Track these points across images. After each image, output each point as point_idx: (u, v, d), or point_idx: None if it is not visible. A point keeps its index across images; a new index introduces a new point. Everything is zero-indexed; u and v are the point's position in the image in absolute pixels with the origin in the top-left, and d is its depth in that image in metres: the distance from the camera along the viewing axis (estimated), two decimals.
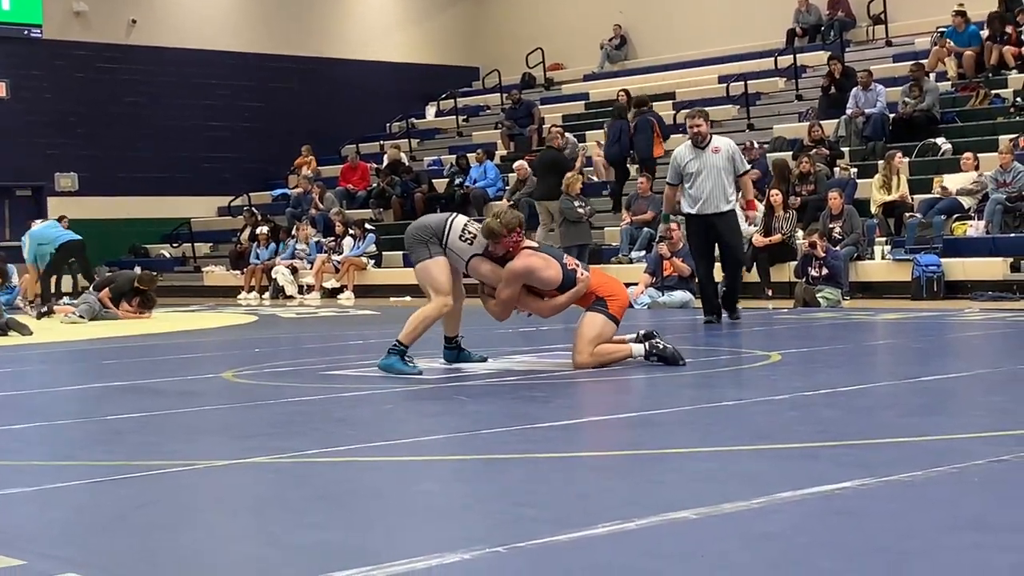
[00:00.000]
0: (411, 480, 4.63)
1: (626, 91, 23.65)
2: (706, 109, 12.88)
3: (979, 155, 17.16)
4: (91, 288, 16.92)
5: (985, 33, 21.01)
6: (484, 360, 8.65)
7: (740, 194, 12.24)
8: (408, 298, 20.19)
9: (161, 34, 27.26)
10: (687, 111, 12.49)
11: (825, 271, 15.00)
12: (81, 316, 15.86)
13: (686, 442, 5.31)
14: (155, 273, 18.75)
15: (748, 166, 12.20)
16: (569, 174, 18.23)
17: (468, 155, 24.14)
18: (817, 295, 14.84)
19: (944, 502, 3.92)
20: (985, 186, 16.39)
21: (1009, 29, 20.71)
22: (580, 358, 8.06)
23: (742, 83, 22.84)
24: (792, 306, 14.93)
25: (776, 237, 16.48)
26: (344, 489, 4.46)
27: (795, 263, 15.75)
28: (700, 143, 11.88)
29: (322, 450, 5.21)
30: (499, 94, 28.52)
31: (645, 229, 18.52)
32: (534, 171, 20.26)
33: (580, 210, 17.59)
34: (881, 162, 17.55)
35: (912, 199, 17.16)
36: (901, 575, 3.09)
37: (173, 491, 4.55)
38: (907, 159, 18.18)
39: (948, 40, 21.23)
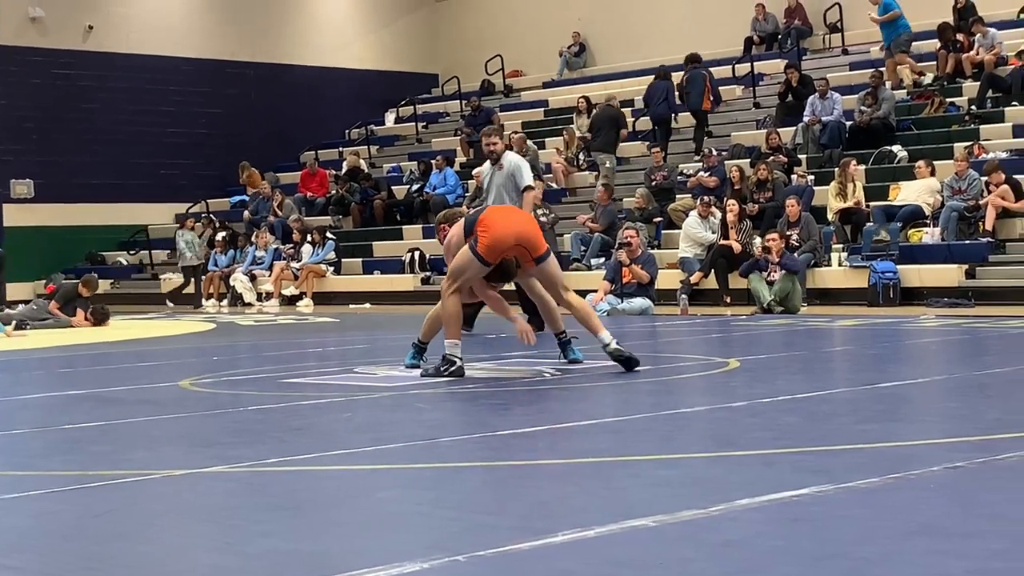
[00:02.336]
0: (370, 488, 4.62)
1: (586, 98, 23.76)
2: (501, 127, 13.05)
3: (934, 163, 17.31)
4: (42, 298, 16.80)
5: (936, 44, 21.25)
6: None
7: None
8: (368, 305, 20.16)
9: (118, 40, 27.08)
10: (484, 128, 12.69)
11: (782, 272, 15.08)
12: None
13: (645, 449, 5.33)
14: (95, 275, 18.55)
15: (530, 181, 12.18)
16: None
17: (427, 161, 24.13)
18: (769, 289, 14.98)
19: (901, 508, 3.95)
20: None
21: (961, 37, 20.92)
22: (441, 290, 8.33)
23: None
24: (751, 312, 15.01)
25: (736, 247, 16.53)
26: (303, 498, 4.45)
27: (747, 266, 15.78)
28: (494, 160, 12.21)
29: (281, 459, 5.19)
30: (458, 101, 28.53)
31: (598, 235, 18.60)
32: (592, 126, 21.25)
33: (543, 217, 17.69)
34: (837, 169, 17.69)
35: (868, 206, 17.29)
36: None
37: (131, 500, 4.52)
38: (863, 167, 18.34)
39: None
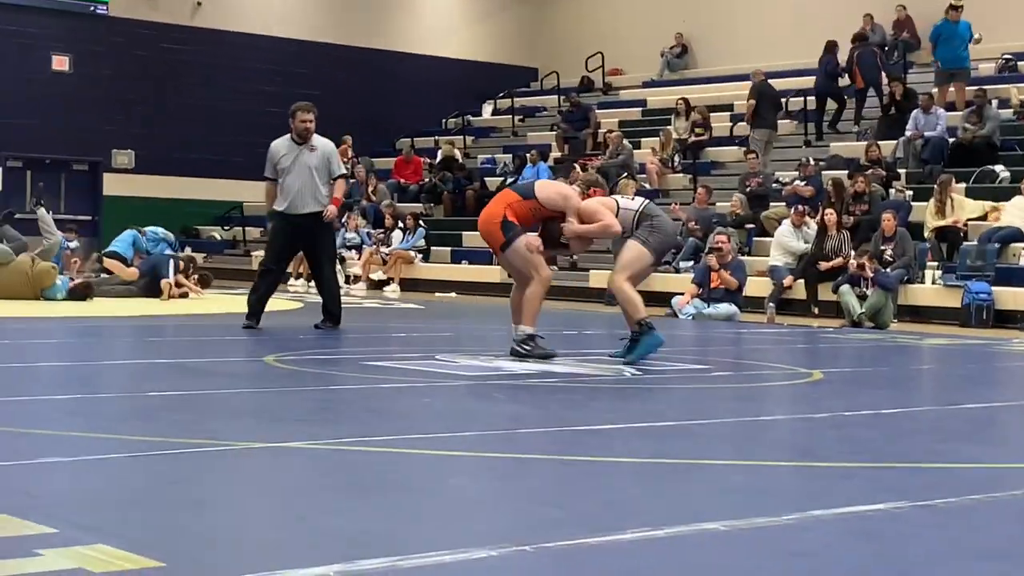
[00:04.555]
0: (443, 474, 4.64)
1: (685, 100, 23.64)
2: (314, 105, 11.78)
3: None
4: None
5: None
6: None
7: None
8: (453, 294, 20.23)
9: (225, 18, 27.45)
10: (301, 103, 11.71)
11: (876, 288, 14.93)
12: None
13: (721, 454, 5.29)
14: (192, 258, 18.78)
15: (344, 170, 11.72)
16: (624, 180, 18.53)
17: (521, 155, 24.17)
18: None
19: (976, 531, 3.89)
20: None
21: None
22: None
23: (801, 98, 22.72)
24: (839, 325, 14.85)
25: (838, 261, 16.25)
26: (376, 478, 4.47)
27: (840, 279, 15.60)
28: (302, 139, 11.45)
29: (357, 439, 5.23)
30: (556, 96, 28.52)
31: (691, 239, 18.49)
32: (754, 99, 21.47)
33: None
34: (936, 187, 17.42)
35: (967, 225, 17.01)
36: None
37: (207, 470, 4.58)
38: (963, 184, 18.04)
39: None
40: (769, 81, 21.88)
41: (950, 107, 20.40)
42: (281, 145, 11.54)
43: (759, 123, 21.21)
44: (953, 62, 20.90)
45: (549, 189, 9.07)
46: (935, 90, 20.73)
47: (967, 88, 20.88)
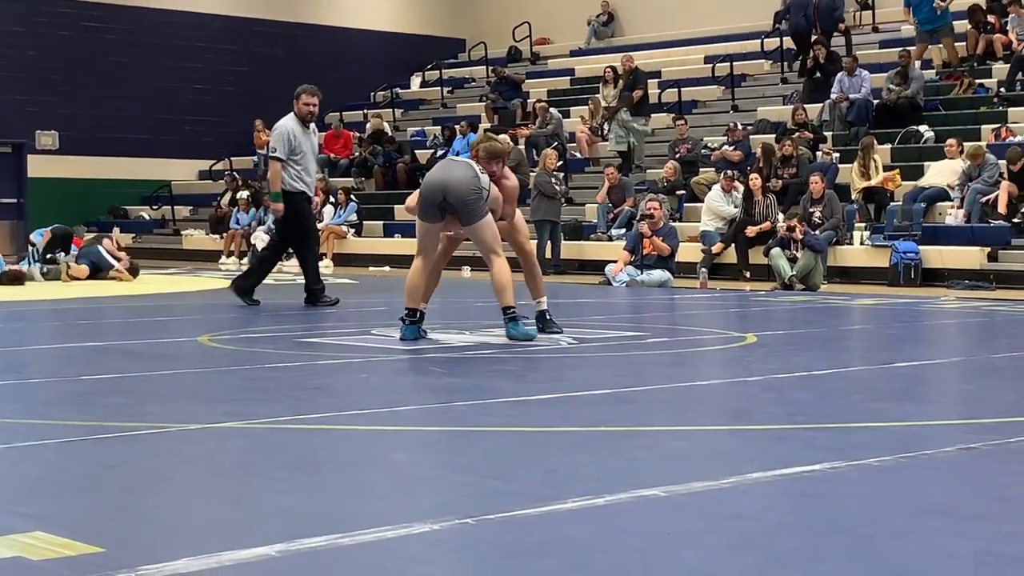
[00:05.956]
0: (383, 449, 4.64)
1: (613, 68, 23.65)
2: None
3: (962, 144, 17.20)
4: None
5: (967, 24, 21.08)
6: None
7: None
8: (387, 268, 20.18)
9: None
10: (306, 87, 11.89)
11: (805, 250, 15.06)
12: None
13: (658, 420, 5.33)
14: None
15: None
16: (547, 150, 18.56)
17: (451, 126, 24.11)
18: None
19: (912, 487, 3.95)
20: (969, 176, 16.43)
21: (992, 19, 20.74)
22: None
23: (728, 64, 22.85)
24: (770, 288, 14.98)
25: (766, 225, 16.39)
26: (316, 456, 4.46)
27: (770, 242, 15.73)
28: (306, 123, 11.67)
29: (295, 417, 5.21)
30: (485, 67, 28.45)
31: (625, 207, 18.57)
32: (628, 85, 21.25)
33: (556, 186, 17.99)
34: (860, 150, 17.57)
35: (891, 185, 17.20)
36: (866, 558, 3.12)
37: (144, 453, 4.55)
38: (888, 145, 18.23)
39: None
40: (638, 66, 21.85)
41: (926, 65, 20.53)
42: (295, 127, 11.60)
43: (638, 110, 21.06)
44: (933, 21, 20.95)
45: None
46: (914, 48, 20.78)
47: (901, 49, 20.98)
